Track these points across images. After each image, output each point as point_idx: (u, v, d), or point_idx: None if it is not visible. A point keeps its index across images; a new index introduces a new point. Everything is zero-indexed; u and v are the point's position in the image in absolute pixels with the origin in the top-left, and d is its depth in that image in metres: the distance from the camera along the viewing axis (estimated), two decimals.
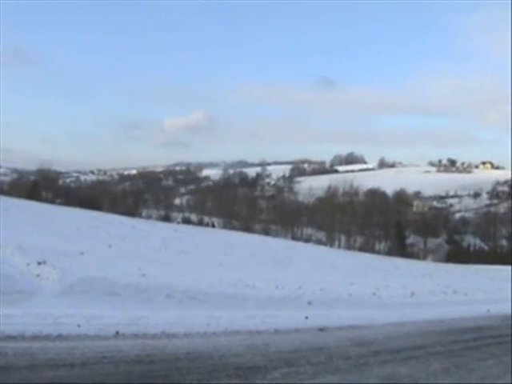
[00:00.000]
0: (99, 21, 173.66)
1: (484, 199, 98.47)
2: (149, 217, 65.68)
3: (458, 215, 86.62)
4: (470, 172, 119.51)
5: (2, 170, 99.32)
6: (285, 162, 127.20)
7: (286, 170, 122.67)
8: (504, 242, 64.92)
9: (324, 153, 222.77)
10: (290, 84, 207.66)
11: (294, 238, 60.83)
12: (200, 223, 67.73)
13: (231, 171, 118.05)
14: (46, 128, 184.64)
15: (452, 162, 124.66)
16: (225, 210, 74.77)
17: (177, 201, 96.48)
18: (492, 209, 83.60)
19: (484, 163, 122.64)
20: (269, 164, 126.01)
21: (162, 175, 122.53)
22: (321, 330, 8.01)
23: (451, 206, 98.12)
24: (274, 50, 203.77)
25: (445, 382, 5.43)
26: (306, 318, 8.77)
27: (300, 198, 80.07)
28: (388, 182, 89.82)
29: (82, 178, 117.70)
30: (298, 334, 7.60)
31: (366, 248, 56.70)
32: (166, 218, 69.92)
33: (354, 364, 5.82)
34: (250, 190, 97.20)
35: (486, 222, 70.76)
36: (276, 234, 61.15)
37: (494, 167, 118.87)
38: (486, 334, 9.02)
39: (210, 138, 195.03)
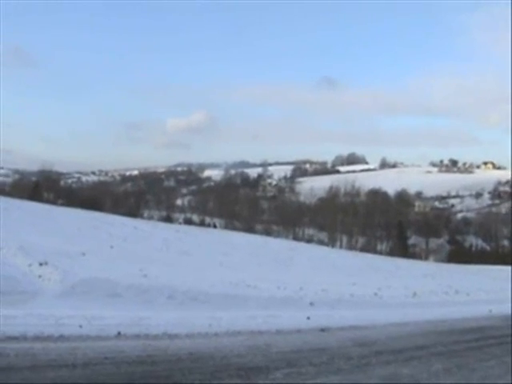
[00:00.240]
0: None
1: (486, 199, 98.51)
2: (150, 217, 65.51)
3: (459, 215, 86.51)
4: (471, 172, 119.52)
5: (3, 171, 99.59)
6: (286, 162, 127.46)
7: (287, 170, 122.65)
8: (506, 242, 64.76)
9: (325, 153, 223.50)
10: (292, 84, 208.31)
11: (296, 238, 60.70)
12: (202, 224, 67.64)
13: (233, 172, 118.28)
14: (47, 129, 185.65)
15: (453, 163, 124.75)
16: (226, 211, 74.77)
17: (178, 201, 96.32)
18: (494, 209, 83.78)
19: (485, 163, 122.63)
20: (270, 164, 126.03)
21: (163, 176, 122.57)
22: (322, 330, 8.01)
23: (453, 206, 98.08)
24: (275, 50, 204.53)
25: (447, 383, 5.44)
26: (308, 318, 8.75)
27: (301, 199, 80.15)
28: (389, 183, 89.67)
29: (84, 178, 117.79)
30: (300, 334, 7.60)
31: (368, 248, 56.55)
32: (168, 219, 69.81)
33: (356, 364, 5.83)
34: (251, 190, 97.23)
35: (488, 223, 70.82)
36: (277, 235, 61.03)
37: (496, 167, 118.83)
38: (487, 335, 9.01)
39: (212, 139, 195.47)
